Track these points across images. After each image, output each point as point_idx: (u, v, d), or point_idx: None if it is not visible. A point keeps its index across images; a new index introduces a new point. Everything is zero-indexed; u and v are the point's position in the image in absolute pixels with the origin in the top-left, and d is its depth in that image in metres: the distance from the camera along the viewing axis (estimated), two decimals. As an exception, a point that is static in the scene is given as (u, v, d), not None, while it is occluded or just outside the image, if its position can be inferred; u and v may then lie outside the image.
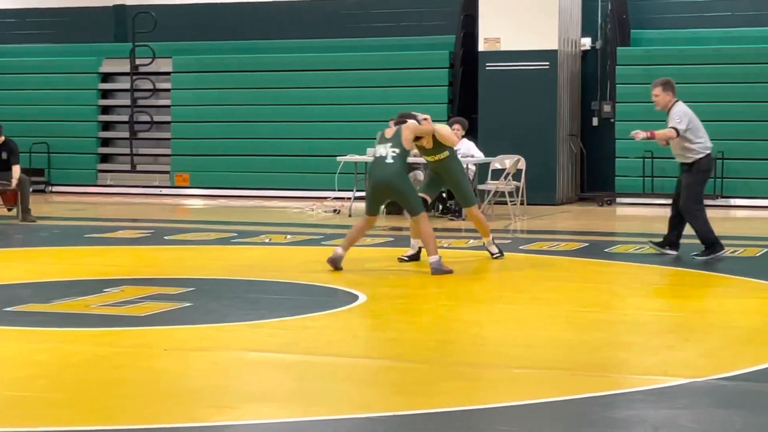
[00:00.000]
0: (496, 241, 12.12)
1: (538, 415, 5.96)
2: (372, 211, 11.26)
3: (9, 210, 16.77)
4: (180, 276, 10.77)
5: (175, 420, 5.75)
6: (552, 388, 6.53)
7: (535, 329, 8.31)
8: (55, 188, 22.06)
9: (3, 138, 16.21)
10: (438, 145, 11.55)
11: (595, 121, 20.61)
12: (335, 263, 10.98)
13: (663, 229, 12.43)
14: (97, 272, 11.04)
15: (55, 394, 6.24)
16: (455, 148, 16.85)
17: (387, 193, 11.28)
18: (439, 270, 10.79)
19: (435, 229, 15.23)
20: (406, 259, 11.72)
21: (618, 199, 19.72)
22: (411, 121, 11.28)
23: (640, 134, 11.98)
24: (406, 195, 11.11)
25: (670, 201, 12.73)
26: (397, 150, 11.02)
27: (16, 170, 15.99)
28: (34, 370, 6.79)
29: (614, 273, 11.68)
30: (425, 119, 11.37)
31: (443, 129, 11.56)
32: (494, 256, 11.95)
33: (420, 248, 11.67)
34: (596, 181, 20.50)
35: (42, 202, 19.39)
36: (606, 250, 13.08)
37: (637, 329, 8.44)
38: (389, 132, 11.25)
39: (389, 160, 11.00)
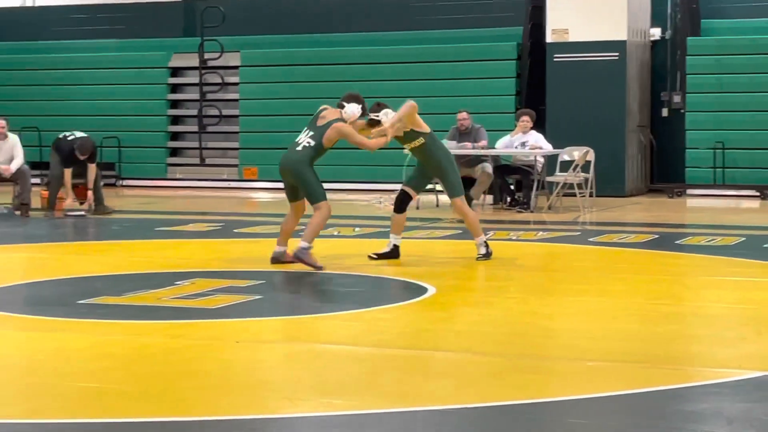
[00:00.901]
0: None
1: (610, 408, 5.92)
2: (288, 197, 10.99)
3: (81, 204, 16.96)
4: (250, 269, 10.82)
5: (247, 412, 5.78)
6: (624, 381, 6.48)
7: (606, 321, 8.26)
8: (126, 182, 22.28)
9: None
10: (411, 133, 11.01)
11: (664, 112, 20.43)
12: (278, 260, 10.81)
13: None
14: (168, 265, 11.13)
15: (129, 386, 6.30)
16: (523, 140, 16.82)
17: (289, 179, 10.87)
18: (303, 260, 10.48)
19: (502, 221, 15.23)
20: (375, 257, 11.18)
21: (688, 191, 19.55)
22: (352, 111, 10.88)
23: None
24: (305, 182, 10.73)
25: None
26: (312, 142, 10.76)
27: (93, 171, 16.13)
28: (107, 362, 6.86)
29: (685, 265, 11.58)
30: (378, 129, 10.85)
31: (357, 137, 10.91)
32: (478, 257, 11.13)
33: (397, 246, 11.23)
34: (666, 172, 20.33)
35: (112, 195, 19.58)
36: (677, 242, 12.97)
37: (710, 321, 8.36)
38: (327, 114, 10.89)
39: (299, 148, 10.76)
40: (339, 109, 10.98)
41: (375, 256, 11.19)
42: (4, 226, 14.75)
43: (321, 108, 11.09)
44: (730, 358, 7.01)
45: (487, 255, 11.16)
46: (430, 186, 17.52)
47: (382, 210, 17.13)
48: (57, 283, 10.13)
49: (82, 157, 16.00)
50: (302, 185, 10.78)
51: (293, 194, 10.96)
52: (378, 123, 10.96)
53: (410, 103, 10.98)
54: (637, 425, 5.61)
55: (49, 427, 5.52)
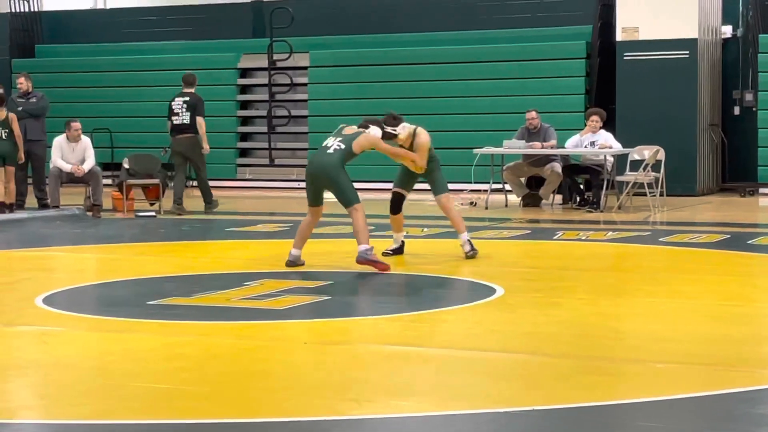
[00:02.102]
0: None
1: (680, 411, 5.86)
2: (310, 201, 11.00)
3: (151, 204, 17.12)
4: (318, 269, 10.86)
5: (315, 413, 5.80)
6: (694, 383, 6.42)
7: (676, 323, 8.19)
8: (195, 183, 22.40)
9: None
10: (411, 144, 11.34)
11: (736, 110, 20.20)
12: (294, 263, 10.83)
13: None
14: (237, 266, 11.20)
15: (199, 387, 6.35)
16: (593, 139, 16.73)
17: (320, 182, 10.87)
18: (365, 259, 10.50)
19: (572, 221, 15.14)
20: (391, 252, 11.50)
21: (761, 190, 19.31)
22: (375, 132, 10.96)
23: None
24: (339, 186, 10.72)
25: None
26: (343, 146, 10.76)
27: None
28: (177, 363, 6.92)
29: (757, 265, 11.43)
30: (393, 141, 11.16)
31: (384, 145, 11.13)
32: (467, 254, 11.26)
33: (403, 242, 11.60)
34: (738, 171, 20.09)
35: (183, 196, 19.71)
36: (749, 242, 12.82)
37: (782, 323, 8.26)
38: (348, 130, 10.96)
39: (330, 151, 10.75)
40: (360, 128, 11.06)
41: (390, 252, 11.53)
42: (76, 227, 14.92)
43: (341, 126, 11.17)
44: (802, 361, 6.92)
45: (473, 252, 11.29)
46: (497, 186, 17.55)
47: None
48: (127, 284, 10.23)
49: None
50: (337, 189, 10.77)
51: (316, 199, 11.00)
52: (394, 136, 11.18)
53: (425, 141, 11.25)
54: (707, 428, 5.55)
55: (120, 428, 5.57)
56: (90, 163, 16.35)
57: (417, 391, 6.29)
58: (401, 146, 11.31)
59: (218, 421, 5.67)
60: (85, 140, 16.55)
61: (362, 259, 10.55)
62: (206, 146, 17.05)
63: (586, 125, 17.07)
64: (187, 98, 17.16)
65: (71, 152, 16.36)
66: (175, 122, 17.06)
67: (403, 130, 11.22)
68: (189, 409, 5.90)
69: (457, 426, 5.61)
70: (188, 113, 17.06)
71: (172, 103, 17.21)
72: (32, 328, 8.13)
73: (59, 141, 16.41)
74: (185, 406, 5.96)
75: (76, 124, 16.49)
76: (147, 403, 6.03)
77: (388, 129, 11.14)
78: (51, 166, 16.46)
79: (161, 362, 6.98)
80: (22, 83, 17.44)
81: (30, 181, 17.27)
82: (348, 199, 10.73)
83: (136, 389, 6.29)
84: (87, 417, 5.73)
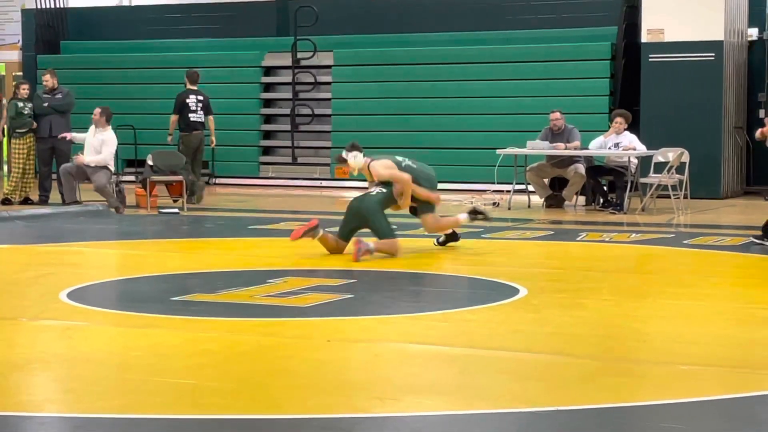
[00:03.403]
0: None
1: (705, 413, 5.84)
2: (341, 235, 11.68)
3: (174, 201, 17.16)
4: (342, 267, 10.87)
5: (339, 411, 5.80)
6: (719, 385, 6.40)
7: (701, 326, 8.16)
8: (219, 180, 22.48)
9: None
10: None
11: (761, 113, 20.11)
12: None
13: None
14: (260, 263, 11.21)
15: (222, 383, 6.36)
16: (617, 141, 16.69)
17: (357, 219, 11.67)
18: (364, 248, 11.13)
19: (595, 223, 15.11)
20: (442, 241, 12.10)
21: (785, 194, 19.22)
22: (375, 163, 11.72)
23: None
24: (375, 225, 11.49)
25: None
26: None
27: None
28: (201, 359, 6.93)
29: (782, 269, 11.38)
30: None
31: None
32: (470, 213, 12.35)
33: (453, 230, 12.15)
34: (763, 174, 20.00)
35: (206, 193, 19.76)
36: (773, 246, 12.75)
37: (807, 327, 8.21)
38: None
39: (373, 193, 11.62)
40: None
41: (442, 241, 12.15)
42: (99, 223, 14.96)
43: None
44: (828, 365, 6.88)
45: (444, 244, 12.09)
46: (520, 186, 17.51)
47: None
48: (151, 280, 10.26)
49: None
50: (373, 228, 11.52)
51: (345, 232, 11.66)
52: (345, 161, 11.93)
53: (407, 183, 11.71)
54: (731, 430, 5.53)
55: (143, 423, 5.58)
56: (101, 158, 16.24)
57: (441, 390, 6.28)
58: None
59: (242, 417, 5.68)
60: (108, 134, 16.37)
61: (362, 251, 11.12)
62: (214, 140, 18.40)
63: (610, 127, 17.02)
64: (200, 97, 18.06)
65: (92, 137, 16.37)
66: (192, 119, 17.88)
67: (354, 159, 11.85)
68: (212, 405, 5.90)
69: (481, 425, 5.60)
70: (202, 112, 17.98)
71: (187, 100, 17.94)
72: (56, 323, 8.16)
73: (91, 127, 16.48)
74: (209, 402, 5.97)
75: (96, 110, 16.47)
76: (170, 398, 6.04)
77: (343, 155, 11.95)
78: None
79: (185, 358, 6.99)
80: (48, 80, 17.51)
81: (54, 177, 17.32)
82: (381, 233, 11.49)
83: (159, 384, 6.31)
84: (110, 411, 5.75)
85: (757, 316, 8.53)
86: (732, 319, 8.38)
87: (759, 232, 12.52)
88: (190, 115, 17.58)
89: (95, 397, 6.04)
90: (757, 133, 12.80)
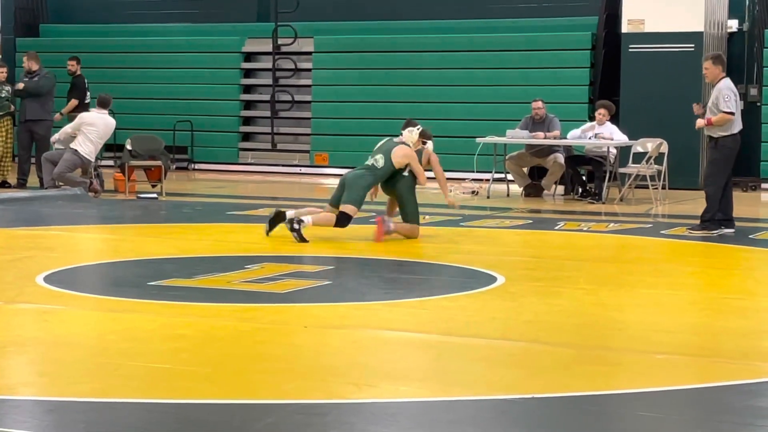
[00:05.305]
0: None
1: (679, 402, 5.87)
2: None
3: (153, 186, 17.11)
4: (319, 254, 10.86)
5: (314, 396, 5.80)
6: (694, 374, 6.42)
7: (677, 315, 8.19)
8: (198, 166, 22.43)
9: None
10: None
11: (741, 105, 20.14)
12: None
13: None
14: (238, 249, 11.20)
15: (198, 368, 6.35)
16: (596, 131, 16.71)
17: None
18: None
19: (573, 212, 15.14)
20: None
21: (762, 185, 19.29)
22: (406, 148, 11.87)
23: (700, 123, 13.07)
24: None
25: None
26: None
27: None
28: (177, 344, 6.92)
29: (759, 259, 11.44)
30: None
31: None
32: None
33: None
34: (741, 165, 19.94)
35: (185, 179, 19.74)
36: (750, 236, 12.81)
37: (782, 317, 8.25)
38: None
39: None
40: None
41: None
42: (77, 207, 14.90)
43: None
44: (802, 355, 6.92)
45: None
46: (500, 175, 17.53)
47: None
48: (128, 264, 10.24)
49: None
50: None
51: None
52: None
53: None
54: (706, 419, 5.55)
55: (118, 407, 5.57)
56: (56, 135, 16.27)
57: (417, 376, 6.29)
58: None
59: (217, 401, 5.67)
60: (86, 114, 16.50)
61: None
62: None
63: (594, 117, 17.07)
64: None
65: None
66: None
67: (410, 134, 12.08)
68: (188, 389, 5.90)
69: (457, 412, 5.61)
70: None
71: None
72: (33, 306, 8.13)
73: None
74: (184, 386, 5.96)
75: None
76: (146, 382, 6.03)
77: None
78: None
79: (161, 342, 6.98)
80: (25, 62, 17.47)
81: (33, 161, 17.26)
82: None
83: (135, 368, 6.30)
84: (86, 395, 5.73)
85: (731, 305, 8.57)
86: (707, 309, 8.42)
87: (745, 224, 12.61)
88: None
89: (70, 381, 6.03)
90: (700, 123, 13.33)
